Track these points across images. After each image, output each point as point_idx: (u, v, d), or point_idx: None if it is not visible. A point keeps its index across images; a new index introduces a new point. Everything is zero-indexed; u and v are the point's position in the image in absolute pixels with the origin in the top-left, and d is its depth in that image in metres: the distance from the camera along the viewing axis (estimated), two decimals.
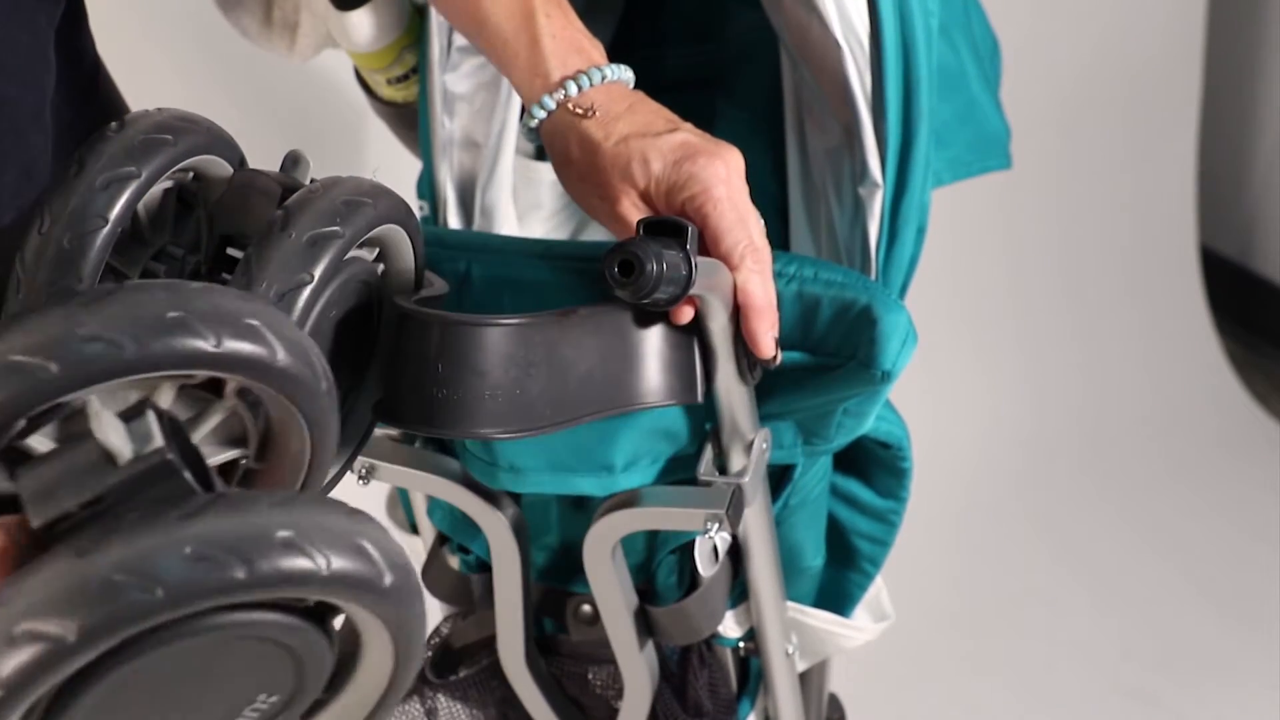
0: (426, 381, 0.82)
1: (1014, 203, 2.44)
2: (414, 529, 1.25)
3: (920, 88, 1.05)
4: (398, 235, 0.84)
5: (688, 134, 0.92)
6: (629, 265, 0.81)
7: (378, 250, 0.84)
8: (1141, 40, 2.52)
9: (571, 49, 0.94)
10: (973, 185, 1.32)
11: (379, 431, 1.04)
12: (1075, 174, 2.54)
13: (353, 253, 0.79)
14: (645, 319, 0.90)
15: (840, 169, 1.08)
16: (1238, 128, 2.72)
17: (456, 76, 1.12)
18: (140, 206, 0.83)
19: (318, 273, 0.75)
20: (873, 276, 1.07)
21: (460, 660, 1.24)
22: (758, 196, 1.25)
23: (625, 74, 0.96)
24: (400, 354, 0.84)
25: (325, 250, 0.75)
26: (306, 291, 0.75)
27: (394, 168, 1.16)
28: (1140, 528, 2.34)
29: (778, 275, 1.00)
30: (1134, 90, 2.55)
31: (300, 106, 1.83)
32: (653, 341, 0.90)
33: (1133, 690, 2.07)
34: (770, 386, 1.02)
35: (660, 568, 1.12)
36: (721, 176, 0.90)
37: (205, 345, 0.62)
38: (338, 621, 0.66)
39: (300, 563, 0.59)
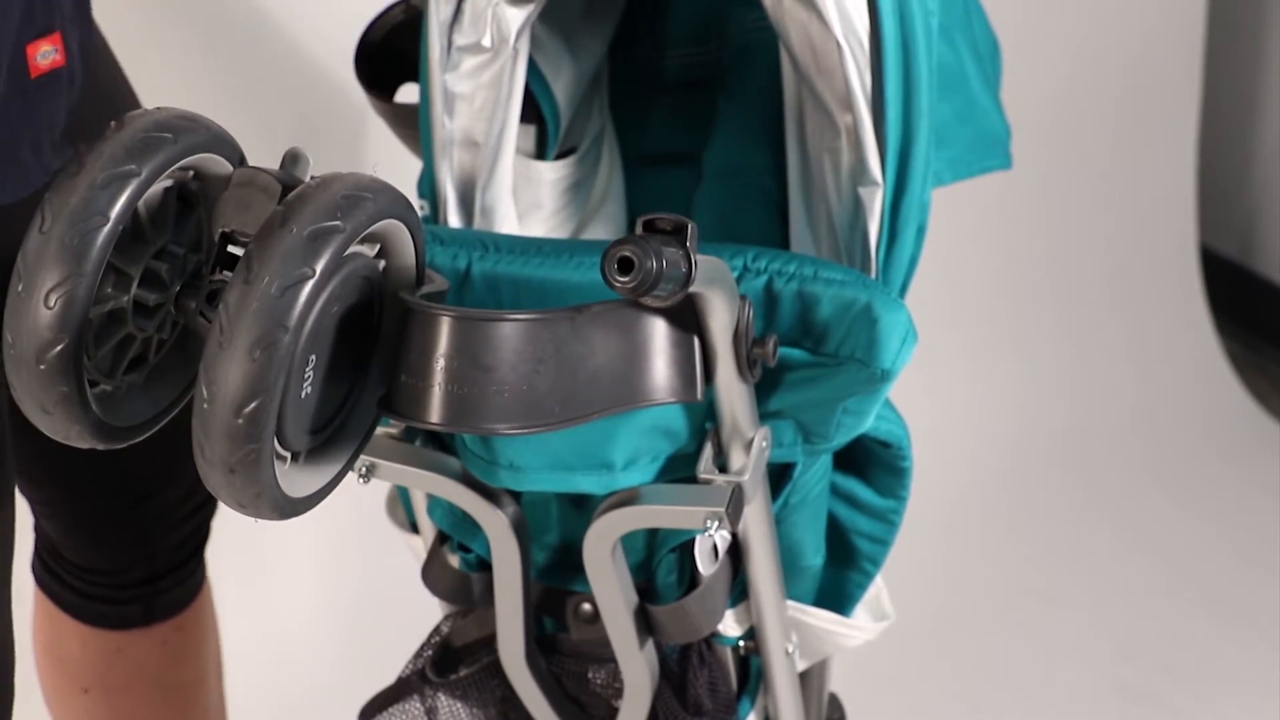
0: (433, 376, 0.83)
1: (1013, 202, 2.44)
2: (414, 528, 1.25)
3: (920, 87, 1.05)
4: (399, 230, 0.84)
5: None
6: (628, 262, 0.81)
7: (379, 246, 0.84)
8: (1141, 40, 2.52)
9: None
10: (972, 185, 1.32)
11: (379, 430, 1.04)
12: (1074, 173, 2.54)
13: (354, 248, 0.80)
14: (649, 316, 0.90)
15: (840, 168, 1.08)
16: (1238, 127, 2.72)
17: (456, 76, 1.12)
18: (141, 205, 0.83)
19: (319, 267, 0.75)
20: (873, 276, 1.07)
21: (460, 659, 1.24)
22: (758, 195, 1.26)
23: None
24: (406, 349, 0.84)
25: (326, 245, 0.75)
26: (308, 286, 0.75)
27: (394, 167, 1.16)
28: (1140, 528, 2.34)
29: (778, 274, 1.00)
30: (1133, 90, 2.55)
31: (300, 105, 1.83)
32: (656, 339, 0.91)
33: (1132, 691, 2.07)
34: (770, 385, 1.02)
35: (660, 566, 1.12)
36: None
37: None
38: None
39: None
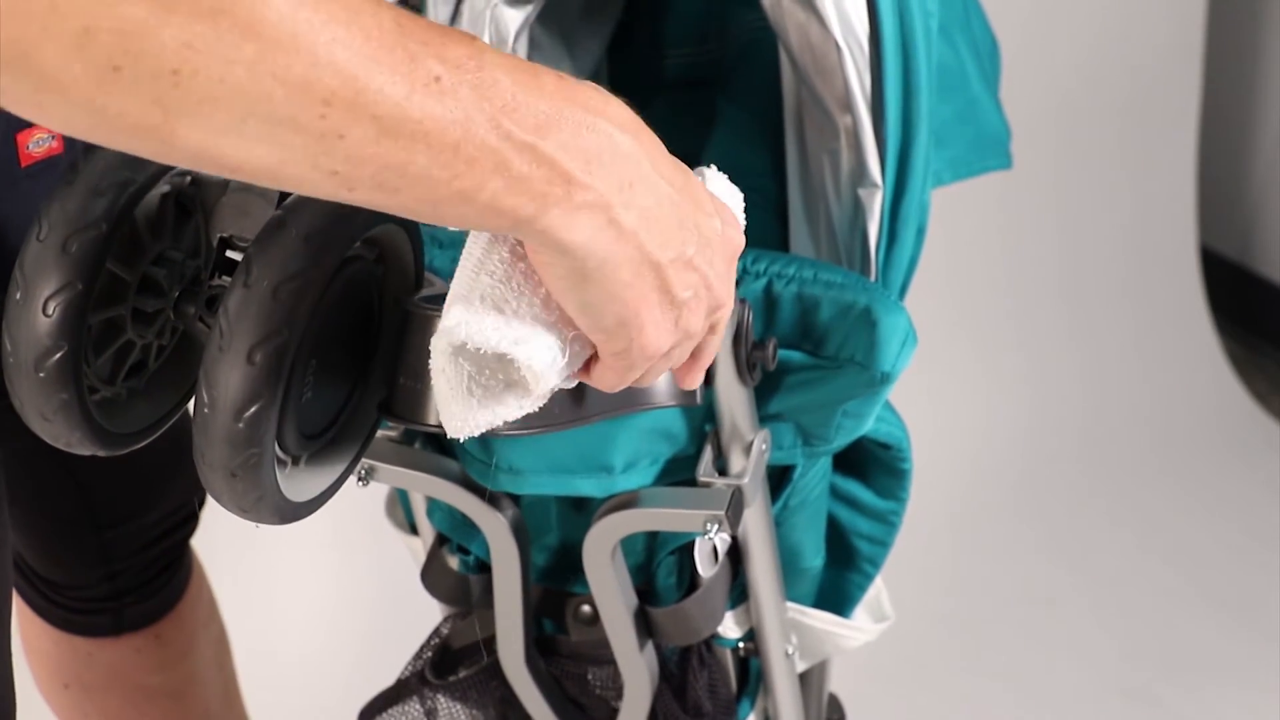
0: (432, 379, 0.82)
1: (1014, 203, 2.44)
2: (413, 530, 1.25)
3: (920, 88, 1.05)
4: (397, 235, 0.84)
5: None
6: None
7: (378, 250, 0.84)
8: (1141, 40, 2.52)
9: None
10: (973, 185, 1.32)
11: (379, 433, 1.04)
12: (1075, 174, 2.54)
13: (353, 252, 0.79)
14: None
15: (839, 170, 1.07)
16: (1238, 128, 2.72)
17: None
18: (138, 211, 0.83)
19: (318, 271, 0.75)
20: (872, 277, 1.07)
21: (460, 661, 1.24)
22: (757, 197, 1.25)
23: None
24: (406, 352, 0.83)
25: (325, 249, 0.75)
26: (307, 290, 0.74)
27: None
28: (1140, 528, 2.34)
29: (778, 276, 1.00)
30: (1134, 90, 2.55)
31: None
32: None
33: (1132, 691, 2.07)
34: (770, 387, 1.02)
35: (660, 568, 1.12)
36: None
37: None
38: None
39: None
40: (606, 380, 0.75)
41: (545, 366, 0.71)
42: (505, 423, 0.74)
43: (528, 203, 0.63)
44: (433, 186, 0.62)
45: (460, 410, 0.73)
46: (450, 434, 0.74)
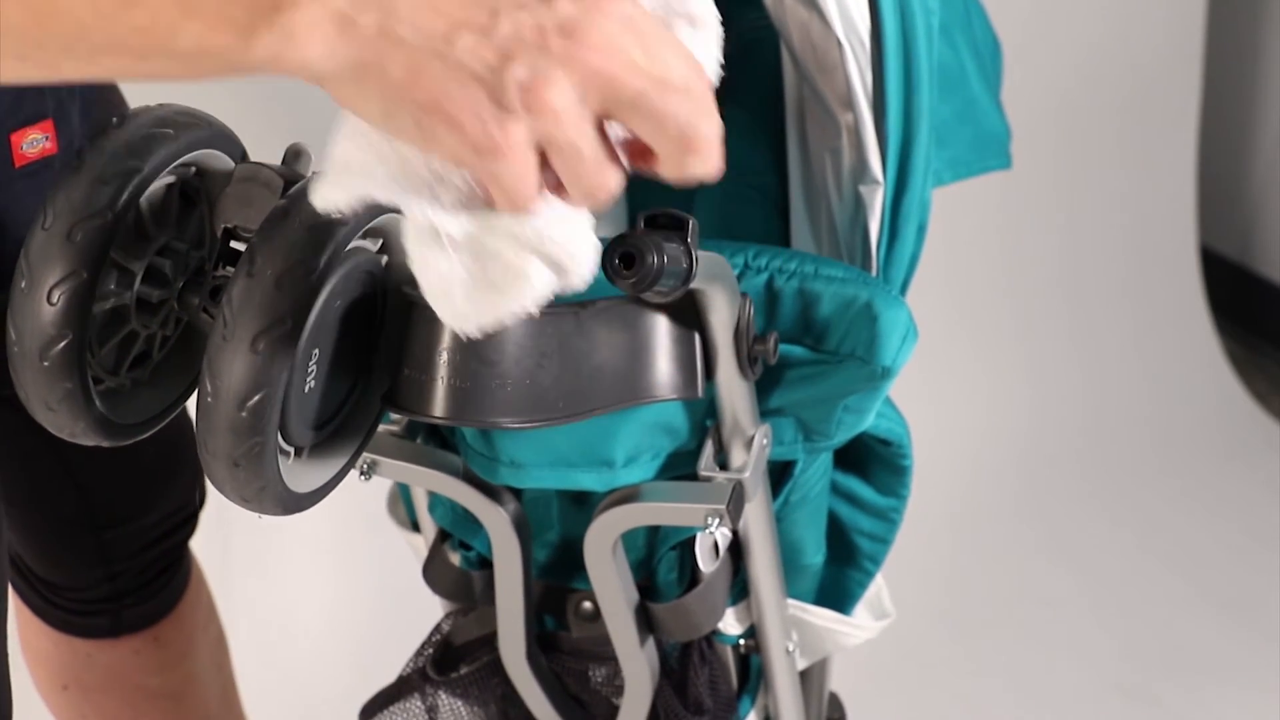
0: (436, 370, 0.83)
1: (1014, 203, 2.44)
2: (415, 526, 1.25)
3: (921, 86, 1.05)
4: (401, 225, 0.84)
5: None
6: (630, 258, 0.81)
7: (381, 241, 0.84)
8: (1141, 40, 2.53)
9: None
10: (973, 185, 1.32)
11: (382, 427, 1.04)
12: (1075, 174, 2.54)
13: (356, 243, 0.80)
14: (651, 313, 0.90)
15: (841, 167, 1.08)
16: (1238, 128, 2.72)
17: None
18: (143, 201, 0.83)
19: (321, 261, 0.75)
20: (874, 274, 1.07)
21: (461, 657, 1.24)
22: (758, 194, 1.26)
23: None
24: (409, 343, 0.84)
25: (328, 239, 0.75)
26: (310, 279, 0.75)
27: None
28: (1140, 528, 2.34)
29: (779, 271, 1.00)
30: (1134, 90, 2.55)
31: (301, 100, 1.83)
32: (658, 335, 0.91)
33: (1132, 691, 2.07)
34: (771, 382, 1.03)
35: (661, 564, 1.12)
36: None
37: None
38: None
39: None
40: (502, 199, 0.66)
41: (399, 195, 0.68)
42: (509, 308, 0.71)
43: (231, 35, 0.60)
44: (130, 49, 0.59)
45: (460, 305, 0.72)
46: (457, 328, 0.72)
